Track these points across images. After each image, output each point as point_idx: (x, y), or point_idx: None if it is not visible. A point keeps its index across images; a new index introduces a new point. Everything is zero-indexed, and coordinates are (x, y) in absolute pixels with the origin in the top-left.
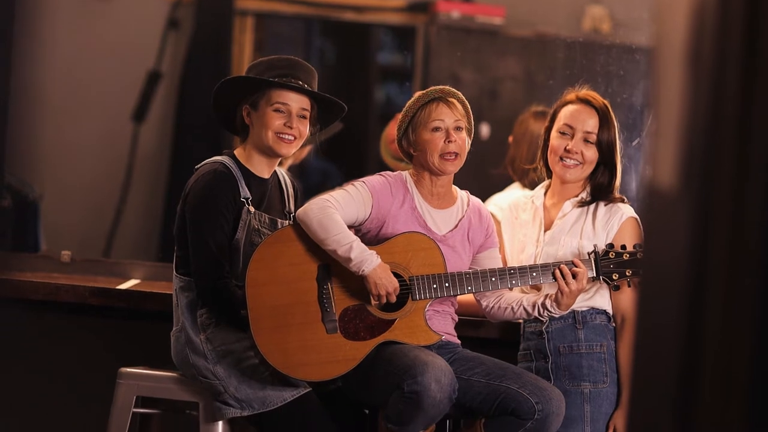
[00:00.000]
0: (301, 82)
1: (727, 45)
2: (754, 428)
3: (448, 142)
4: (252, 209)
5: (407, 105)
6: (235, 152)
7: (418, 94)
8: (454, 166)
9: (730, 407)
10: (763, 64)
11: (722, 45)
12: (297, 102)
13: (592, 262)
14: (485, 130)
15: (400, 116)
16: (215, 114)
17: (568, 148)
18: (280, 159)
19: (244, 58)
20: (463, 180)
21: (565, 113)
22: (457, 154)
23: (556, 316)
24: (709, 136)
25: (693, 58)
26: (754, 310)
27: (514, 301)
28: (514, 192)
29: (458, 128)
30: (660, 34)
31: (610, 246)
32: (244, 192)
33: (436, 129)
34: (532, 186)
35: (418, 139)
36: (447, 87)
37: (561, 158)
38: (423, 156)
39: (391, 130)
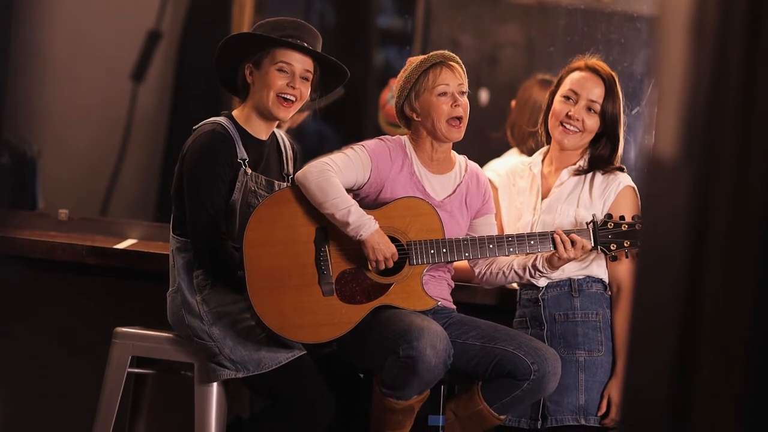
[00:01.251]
0: (306, 44)
1: (731, 14)
2: (752, 399)
3: (455, 105)
4: (249, 171)
5: (408, 71)
6: (234, 113)
7: (417, 59)
8: (459, 133)
9: (728, 379)
10: (767, 34)
11: (726, 14)
12: (301, 63)
13: (591, 231)
14: (484, 95)
15: (397, 82)
16: (217, 71)
17: (569, 113)
18: (277, 122)
19: (244, 18)
20: (461, 145)
21: (572, 79)
22: (461, 119)
23: (547, 275)
24: (711, 105)
25: (696, 27)
26: (754, 281)
27: (505, 265)
28: (512, 158)
29: (462, 92)
30: (663, 3)
31: (609, 216)
32: (242, 153)
33: (443, 94)
34: (530, 153)
35: (422, 105)
36: (447, 51)
37: (561, 123)
38: (428, 121)
39: (385, 95)
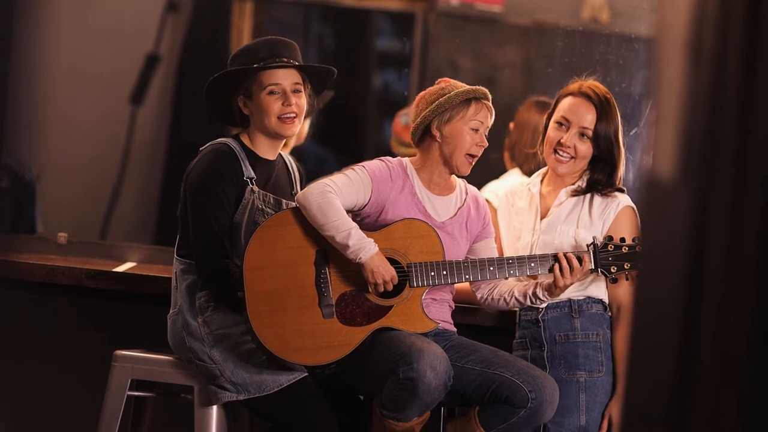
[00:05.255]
0: (285, 59)
1: (728, 35)
2: (753, 417)
3: (479, 146)
4: (256, 189)
5: (452, 93)
6: (240, 135)
7: (463, 86)
8: (469, 170)
9: (729, 397)
10: (764, 55)
11: (723, 35)
12: (288, 78)
13: (591, 254)
14: None
15: (428, 97)
16: (213, 113)
17: (561, 141)
18: (284, 140)
19: (242, 42)
20: None
21: (564, 105)
22: (477, 157)
23: (548, 302)
24: (709, 126)
25: (694, 48)
26: (753, 300)
27: (506, 291)
28: (513, 179)
29: (486, 134)
30: (661, 24)
31: (609, 239)
32: (248, 172)
33: (475, 129)
34: (531, 173)
35: (452, 131)
36: (487, 91)
37: (555, 151)
38: (448, 148)
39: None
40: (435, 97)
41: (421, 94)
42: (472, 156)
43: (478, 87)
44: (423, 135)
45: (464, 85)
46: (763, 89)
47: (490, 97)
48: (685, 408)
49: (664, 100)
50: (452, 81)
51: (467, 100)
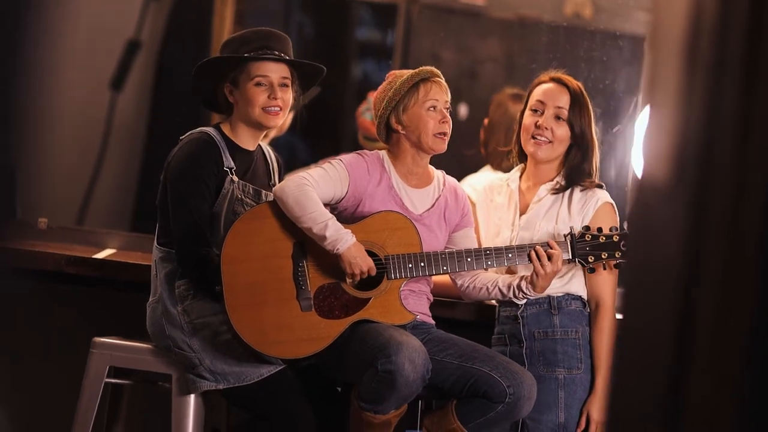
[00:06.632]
0: (276, 52)
1: (726, 37)
2: (748, 421)
3: (443, 122)
4: (236, 179)
5: (397, 83)
6: (221, 125)
7: (403, 72)
8: (444, 145)
9: (723, 400)
10: (763, 57)
11: (720, 37)
12: (276, 72)
13: (568, 244)
14: (464, 110)
15: (380, 94)
16: (198, 97)
17: (538, 123)
18: (266, 131)
19: (224, 30)
20: (438, 160)
21: (538, 91)
22: (447, 134)
23: (531, 297)
24: (706, 130)
25: (690, 50)
26: (748, 308)
27: (489, 281)
28: (488, 174)
29: (447, 108)
30: (656, 25)
31: (586, 228)
32: (228, 162)
33: (432, 108)
34: (505, 170)
35: (411, 118)
36: (434, 68)
37: (532, 136)
38: (414, 134)
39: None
40: (385, 93)
41: (374, 94)
42: (441, 134)
43: (422, 68)
44: (387, 132)
45: (410, 71)
46: (761, 92)
47: (438, 73)
48: (680, 409)
49: (660, 104)
50: (398, 72)
51: (414, 84)
